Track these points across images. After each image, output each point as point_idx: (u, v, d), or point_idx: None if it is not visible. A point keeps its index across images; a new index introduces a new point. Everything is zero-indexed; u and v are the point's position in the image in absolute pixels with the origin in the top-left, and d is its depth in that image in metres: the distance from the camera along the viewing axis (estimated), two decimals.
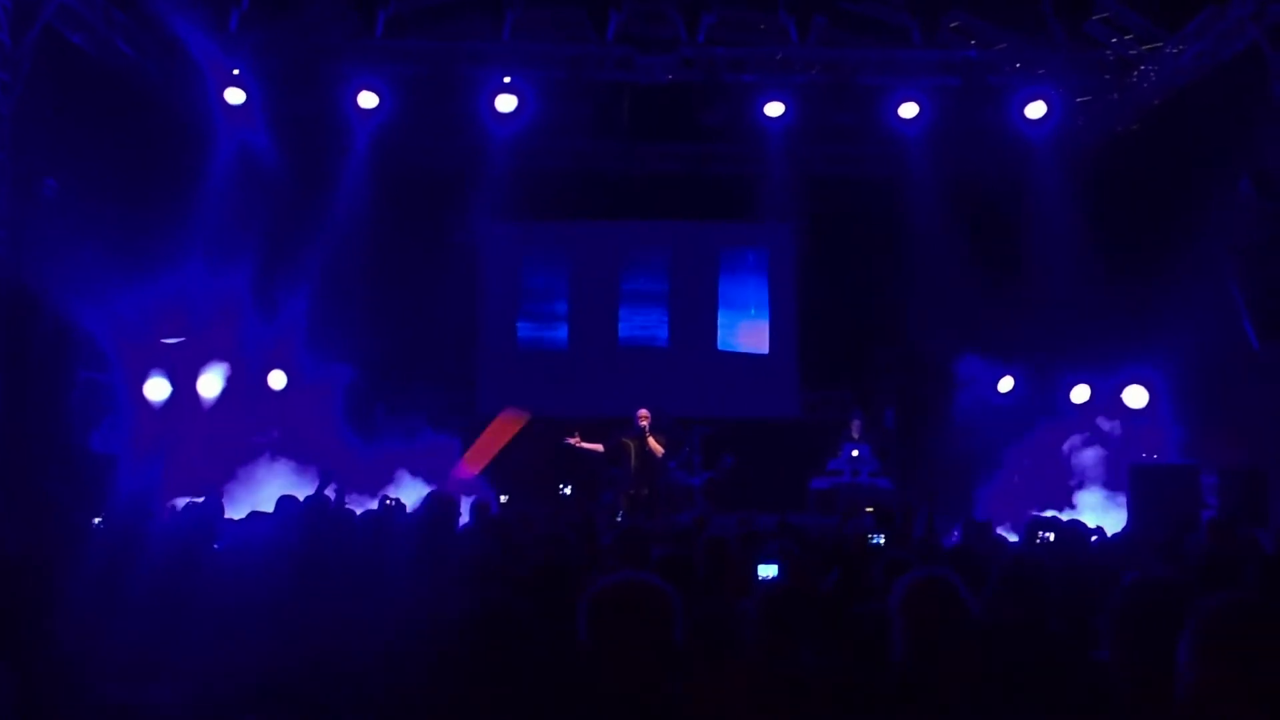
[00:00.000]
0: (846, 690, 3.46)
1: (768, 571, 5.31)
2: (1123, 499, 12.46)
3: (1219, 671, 1.92)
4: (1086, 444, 13.57)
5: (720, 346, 18.14)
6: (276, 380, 14.21)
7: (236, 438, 13.17)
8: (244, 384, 13.72)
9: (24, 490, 9.36)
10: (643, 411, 14.08)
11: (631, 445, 13.89)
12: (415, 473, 13.71)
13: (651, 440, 13.75)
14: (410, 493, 12.72)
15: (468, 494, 11.60)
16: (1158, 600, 2.74)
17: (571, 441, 14.07)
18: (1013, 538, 9.16)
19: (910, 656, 3.21)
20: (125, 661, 3.33)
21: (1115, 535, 9.45)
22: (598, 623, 2.88)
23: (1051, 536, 8.02)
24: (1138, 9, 12.97)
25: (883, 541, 6.95)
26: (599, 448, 14.09)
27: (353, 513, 8.79)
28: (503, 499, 12.64)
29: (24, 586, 3.39)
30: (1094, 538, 8.39)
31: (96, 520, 7.32)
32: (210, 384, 13.37)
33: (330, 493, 10.82)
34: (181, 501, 9.71)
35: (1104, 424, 13.67)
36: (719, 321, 18.20)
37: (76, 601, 3.71)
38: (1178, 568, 5.58)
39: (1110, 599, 2.99)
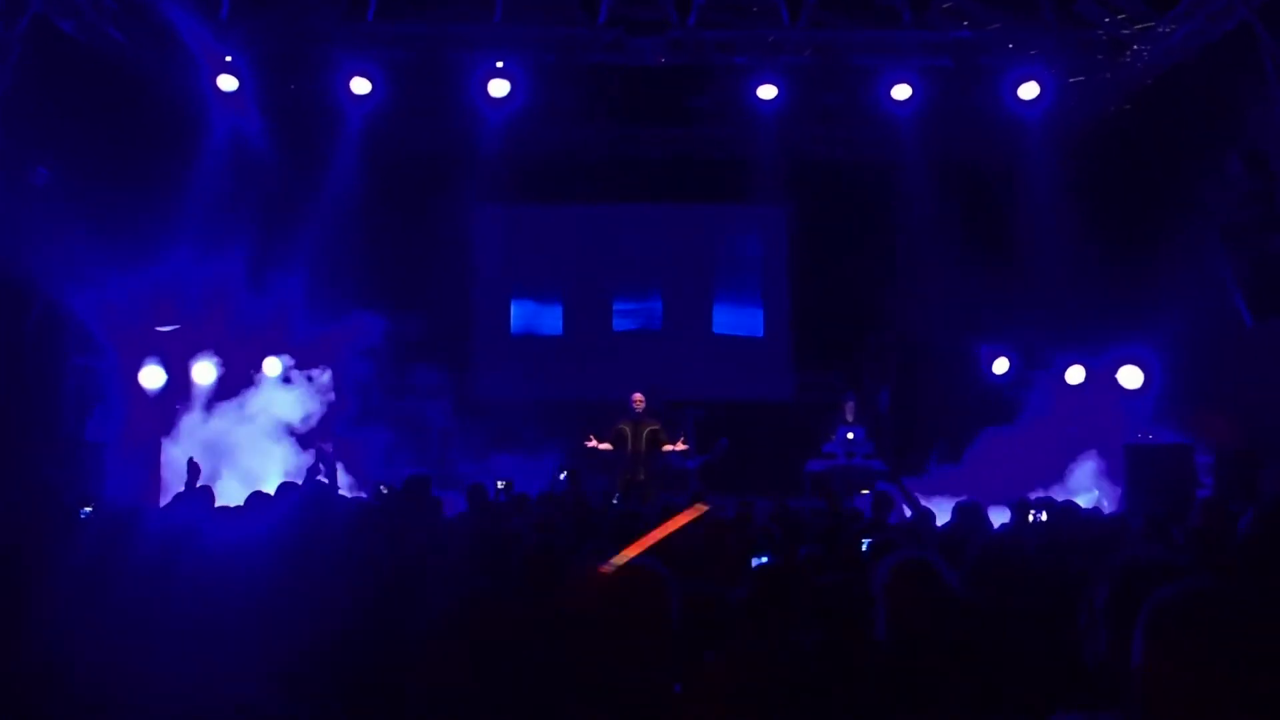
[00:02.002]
0: (832, 669, 3.49)
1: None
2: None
3: (1172, 662, 1.92)
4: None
5: (714, 330, 18.16)
6: (270, 367, 14.20)
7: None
8: (237, 370, 13.74)
9: (16, 478, 9.37)
10: (637, 396, 14.11)
11: (628, 430, 13.92)
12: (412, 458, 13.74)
13: (681, 444, 14.00)
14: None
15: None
16: (1149, 583, 2.74)
17: (590, 445, 14.10)
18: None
19: (893, 636, 3.24)
20: (109, 657, 3.34)
21: (1106, 514, 9.48)
22: (596, 605, 2.90)
23: (1044, 515, 8.05)
24: None
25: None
26: (609, 447, 14.11)
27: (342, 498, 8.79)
28: (500, 485, 12.63)
29: (8, 575, 3.41)
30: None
31: (86, 509, 7.32)
32: (204, 372, 13.40)
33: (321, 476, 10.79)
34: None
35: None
36: (713, 305, 18.22)
37: (61, 592, 3.71)
38: (1167, 547, 5.60)
39: (1100, 581, 3.00)
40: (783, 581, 3.89)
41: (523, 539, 5.76)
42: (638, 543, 4.95)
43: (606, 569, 4.39)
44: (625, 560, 4.53)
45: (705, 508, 7.64)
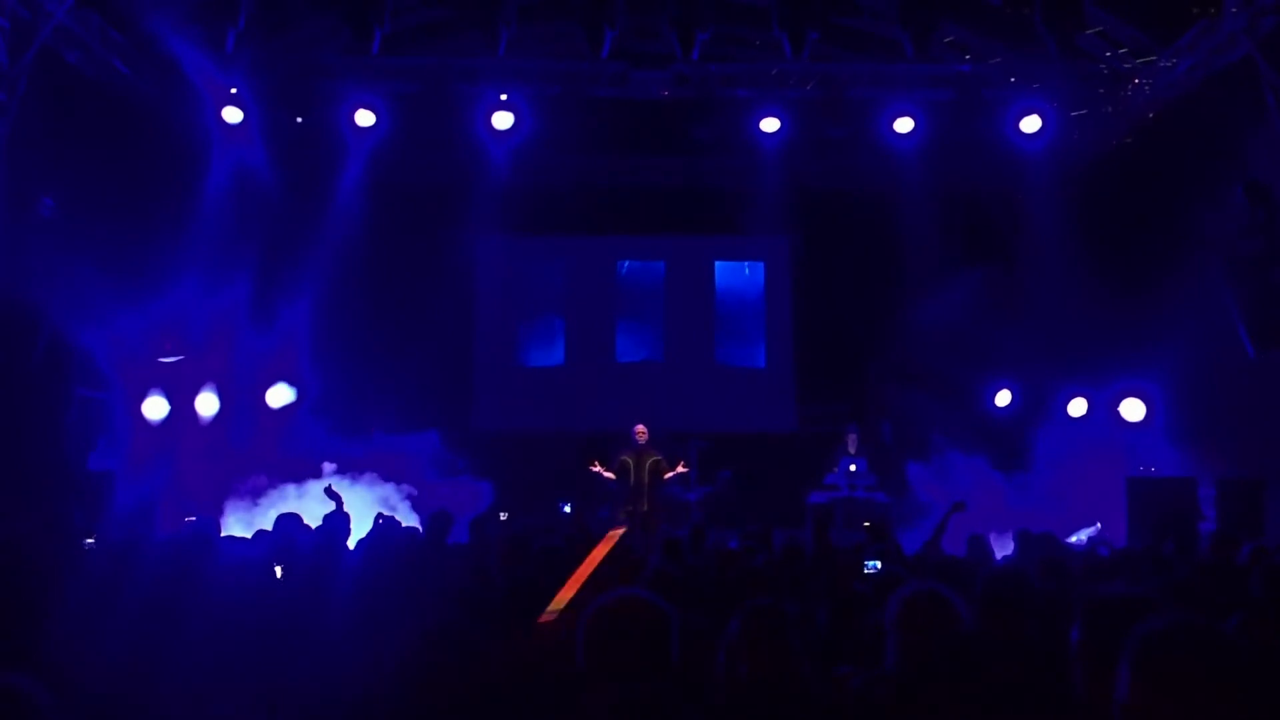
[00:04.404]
0: (842, 702, 3.47)
1: None
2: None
3: (1157, 695, 1.92)
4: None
5: (717, 361, 18.16)
6: (274, 397, 14.21)
7: (234, 455, 13.20)
8: (241, 402, 13.76)
9: (23, 508, 9.35)
10: (640, 427, 14.08)
11: (630, 461, 13.89)
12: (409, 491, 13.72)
13: (681, 467, 13.94)
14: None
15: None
16: (1117, 618, 2.73)
17: (594, 469, 14.05)
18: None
19: (904, 668, 3.23)
20: (115, 681, 3.33)
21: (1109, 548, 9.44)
22: (595, 640, 2.89)
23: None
24: (1131, 22, 13.00)
25: (880, 566, 6.78)
26: (613, 476, 14.07)
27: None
28: (502, 516, 12.59)
29: (17, 602, 3.40)
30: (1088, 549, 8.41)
31: (89, 540, 7.32)
32: (208, 403, 13.41)
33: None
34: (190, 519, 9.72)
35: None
36: (715, 336, 18.22)
37: (69, 619, 3.71)
38: (1161, 581, 5.57)
39: (1075, 618, 3.00)
40: (772, 618, 3.86)
41: (522, 570, 5.76)
42: (570, 583, 4.86)
43: (547, 618, 4.35)
44: (562, 604, 4.48)
45: (620, 530, 7.61)
